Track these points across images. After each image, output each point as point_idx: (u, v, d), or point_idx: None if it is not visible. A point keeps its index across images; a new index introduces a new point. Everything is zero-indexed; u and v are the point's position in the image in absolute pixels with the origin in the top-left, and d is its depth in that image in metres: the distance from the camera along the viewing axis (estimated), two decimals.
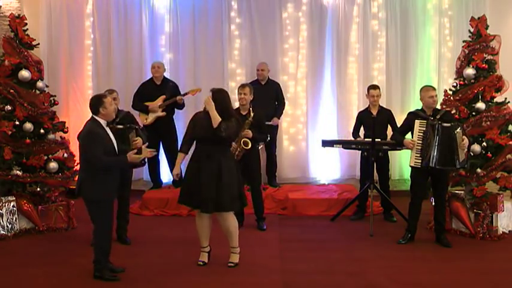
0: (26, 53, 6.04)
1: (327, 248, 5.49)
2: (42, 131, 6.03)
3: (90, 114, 4.58)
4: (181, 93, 7.37)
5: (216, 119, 4.67)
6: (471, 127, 5.80)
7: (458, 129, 5.28)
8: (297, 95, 8.21)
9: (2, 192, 5.93)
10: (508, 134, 5.91)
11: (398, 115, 6.95)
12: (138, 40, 8.12)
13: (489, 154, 5.81)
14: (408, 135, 5.64)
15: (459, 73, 6.09)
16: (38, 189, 6.05)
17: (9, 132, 5.88)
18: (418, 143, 5.40)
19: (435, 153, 5.30)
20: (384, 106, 6.83)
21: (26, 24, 6.16)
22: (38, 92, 6.11)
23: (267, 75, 7.54)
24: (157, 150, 6.91)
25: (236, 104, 6.11)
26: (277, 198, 7.03)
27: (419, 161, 5.38)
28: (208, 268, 4.86)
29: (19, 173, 5.91)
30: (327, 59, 8.16)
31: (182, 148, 4.97)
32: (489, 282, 4.55)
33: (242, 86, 5.96)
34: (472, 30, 6.04)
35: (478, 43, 5.93)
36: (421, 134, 5.39)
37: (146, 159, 5.52)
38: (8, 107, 5.91)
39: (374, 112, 6.41)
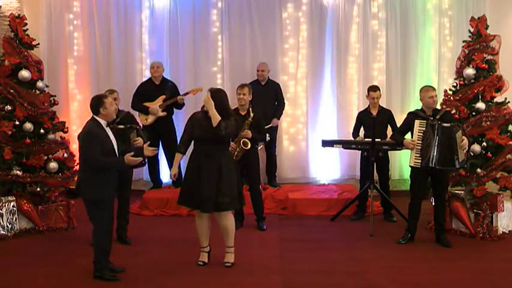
0: (26, 53, 6.04)
1: (327, 248, 5.48)
2: (42, 131, 6.03)
3: (90, 114, 4.57)
4: (181, 93, 7.37)
5: (216, 117, 4.66)
6: (471, 127, 5.80)
7: (458, 130, 5.28)
8: (297, 95, 8.21)
9: (2, 192, 5.93)
10: (508, 134, 5.91)
11: (398, 115, 6.96)
12: (138, 40, 8.12)
13: (489, 154, 5.81)
14: (408, 136, 5.64)
15: (459, 73, 6.08)
16: (38, 189, 6.05)
17: (9, 132, 5.88)
18: (418, 143, 5.40)
19: (435, 153, 5.30)
20: (384, 106, 6.82)
21: (26, 24, 6.16)
22: (38, 92, 6.11)
23: (267, 76, 7.53)
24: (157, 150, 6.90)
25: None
26: (277, 198, 7.03)
27: (419, 161, 5.38)
28: (208, 268, 4.86)
29: (19, 173, 5.91)
30: (327, 59, 8.16)
31: (180, 149, 4.95)
32: (489, 282, 4.55)
33: (241, 86, 5.92)
34: (472, 30, 6.03)
35: (478, 43, 5.93)
36: (421, 134, 5.38)
37: (146, 160, 5.52)
38: (8, 107, 5.91)
39: (374, 112, 6.40)
